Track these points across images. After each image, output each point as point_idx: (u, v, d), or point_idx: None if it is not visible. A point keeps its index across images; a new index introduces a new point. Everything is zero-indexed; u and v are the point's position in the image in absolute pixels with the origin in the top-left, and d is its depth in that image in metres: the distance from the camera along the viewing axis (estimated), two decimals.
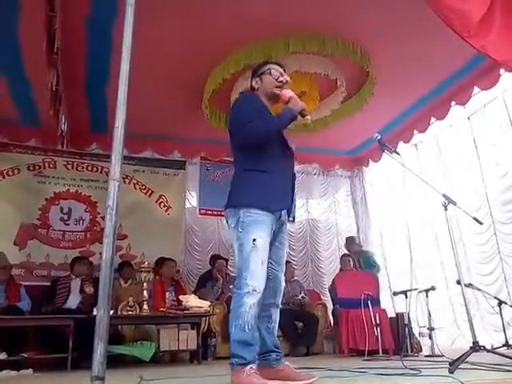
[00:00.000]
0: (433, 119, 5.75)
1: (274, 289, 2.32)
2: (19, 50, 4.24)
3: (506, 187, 5.19)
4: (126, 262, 5.89)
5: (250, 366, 2.03)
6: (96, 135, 6.15)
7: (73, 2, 3.73)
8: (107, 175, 1.82)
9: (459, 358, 2.53)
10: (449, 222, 2.99)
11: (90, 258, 5.72)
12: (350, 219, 7.89)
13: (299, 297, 5.85)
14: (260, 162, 2.31)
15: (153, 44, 4.16)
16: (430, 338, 4.73)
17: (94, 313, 3.47)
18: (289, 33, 4.25)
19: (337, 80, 4.78)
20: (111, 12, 3.72)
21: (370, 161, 7.24)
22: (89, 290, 4.83)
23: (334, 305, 5.82)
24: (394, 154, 3.19)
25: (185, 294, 5.09)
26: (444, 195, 3.01)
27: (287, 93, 2.42)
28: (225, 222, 2.41)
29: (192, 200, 7.18)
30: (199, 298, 4.87)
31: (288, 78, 2.53)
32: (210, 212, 6.79)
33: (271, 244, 2.30)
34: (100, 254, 1.71)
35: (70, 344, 3.93)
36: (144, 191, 6.75)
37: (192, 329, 4.59)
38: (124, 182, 6.43)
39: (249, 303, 2.09)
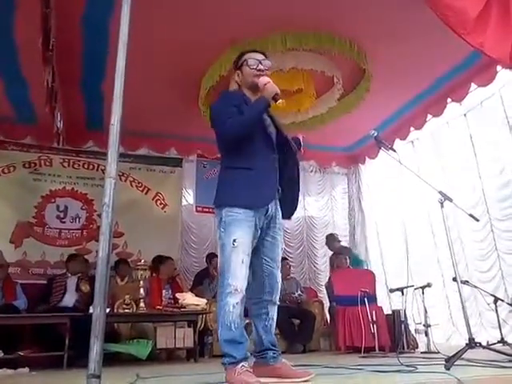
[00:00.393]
0: (429, 116, 5.75)
1: (271, 286, 2.31)
2: (15, 48, 4.22)
3: (502, 184, 5.19)
4: (122, 259, 5.88)
5: (242, 364, 2.04)
6: (92, 133, 6.13)
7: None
8: (103, 173, 1.80)
9: (455, 354, 2.54)
10: (445, 218, 3.00)
11: (87, 256, 5.71)
12: (346, 216, 7.90)
13: (296, 294, 5.85)
14: (240, 159, 2.29)
15: (149, 41, 4.14)
16: (426, 334, 4.74)
17: (91, 311, 3.46)
18: (286, 30, 4.24)
19: (333, 77, 4.78)
20: (107, 9, 3.70)
21: (367, 158, 7.24)
22: (85, 288, 4.82)
23: (330, 302, 5.84)
24: (390, 150, 3.20)
25: (181, 291, 5.09)
26: (440, 192, 3.02)
27: (262, 80, 2.32)
28: None
29: (188, 197, 7.17)
30: (196, 295, 4.88)
31: (269, 63, 2.45)
32: (207, 209, 6.78)
33: (263, 240, 2.31)
34: (96, 251, 1.70)
35: (67, 342, 3.92)
36: (140, 189, 6.74)
37: (189, 327, 4.59)
38: (120, 179, 6.42)
39: (232, 303, 2.10)
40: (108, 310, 3.96)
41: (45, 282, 5.21)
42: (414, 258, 6.28)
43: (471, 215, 3.12)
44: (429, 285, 4.99)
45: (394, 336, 4.87)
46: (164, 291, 5.12)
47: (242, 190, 2.23)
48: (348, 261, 6.30)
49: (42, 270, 5.89)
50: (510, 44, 3.14)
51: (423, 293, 4.95)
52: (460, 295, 2.96)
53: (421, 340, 5.05)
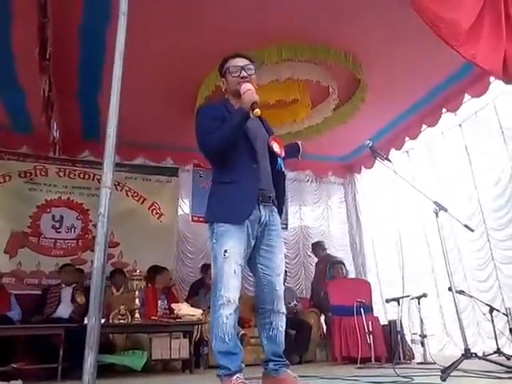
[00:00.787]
0: (424, 126, 5.79)
1: (270, 295, 2.26)
2: (11, 57, 4.23)
3: (497, 194, 5.22)
4: (118, 269, 5.85)
5: (237, 375, 2.02)
6: (88, 142, 6.13)
7: (65, 9, 3.72)
8: (99, 182, 1.80)
9: (451, 365, 2.54)
10: (440, 228, 3.01)
11: (82, 266, 5.70)
12: (342, 226, 7.91)
13: (292, 304, 5.82)
14: (223, 173, 2.31)
15: (146, 52, 4.16)
16: (423, 345, 4.73)
17: (86, 322, 3.43)
18: (281, 41, 4.28)
19: (329, 87, 4.81)
20: (104, 19, 3.72)
21: (363, 167, 7.27)
22: (80, 299, 4.78)
23: (325, 312, 5.81)
24: (385, 160, 3.21)
25: (177, 302, 5.06)
26: (435, 202, 3.03)
27: (243, 88, 2.23)
28: None
29: (184, 207, 7.16)
30: (192, 306, 4.85)
31: (252, 68, 2.38)
32: (203, 219, 6.70)
33: (259, 248, 2.29)
34: (92, 261, 1.69)
35: (61, 354, 3.88)
36: (136, 198, 6.72)
37: (184, 337, 4.55)
38: (116, 189, 6.41)
39: (225, 314, 2.08)
40: (103, 321, 3.93)
41: (39, 292, 5.17)
42: (409, 268, 6.28)
43: (466, 225, 3.13)
44: (425, 295, 4.99)
45: (391, 346, 4.85)
46: (159, 301, 5.09)
47: (222, 205, 2.25)
48: (344, 271, 6.30)
49: (36, 281, 5.85)
50: (502, 55, 3.18)
51: (419, 303, 4.95)
52: (455, 305, 2.96)
53: (417, 350, 5.04)
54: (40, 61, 3.89)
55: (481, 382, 2.32)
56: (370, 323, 4.82)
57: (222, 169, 2.32)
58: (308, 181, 7.72)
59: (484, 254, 5.37)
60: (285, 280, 2.45)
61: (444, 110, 5.41)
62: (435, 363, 3.71)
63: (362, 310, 4.89)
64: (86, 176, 6.50)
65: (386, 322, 5.22)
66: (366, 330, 4.76)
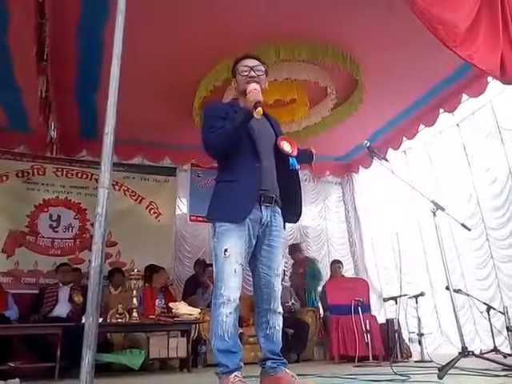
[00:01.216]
0: (422, 126, 5.81)
1: (268, 294, 2.28)
2: (9, 56, 4.22)
3: (496, 193, 5.23)
4: (116, 269, 5.85)
5: (235, 373, 2.03)
6: (86, 142, 6.12)
7: (63, 9, 3.72)
8: (97, 182, 1.81)
9: (448, 363, 2.55)
10: (437, 227, 3.02)
11: (79, 266, 5.70)
12: (340, 225, 7.92)
13: (289, 303, 5.84)
14: (225, 171, 2.32)
15: (144, 51, 4.16)
16: (420, 343, 4.75)
17: (83, 321, 3.44)
18: (279, 41, 4.28)
19: (327, 87, 4.82)
20: (102, 19, 3.72)
21: (361, 167, 7.28)
22: (78, 299, 4.78)
23: (324, 311, 5.83)
24: (383, 160, 3.23)
25: (175, 301, 5.07)
26: (433, 201, 3.04)
27: (250, 87, 2.24)
28: None
29: (182, 207, 7.16)
30: (189, 305, 4.86)
31: (262, 68, 2.41)
32: (201, 219, 6.76)
33: (260, 248, 2.30)
34: (89, 261, 1.69)
35: (58, 353, 3.88)
36: (134, 198, 6.72)
37: (182, 336, 4.56)
38: (114, 188, 6.41)
39: (225, 313, 2.09)
40: (101, 320, 3.93)
41: (37, 291, 5.17)
42: (408, 267, 6.30)
43: (463, 224, 3.14)
44: (422, 294, 5.01)
45: (388, 345, 4.87)
46: (157, 301, 5.09)
47: (223, 204, 2.25)
48: (342, 269, 6.32)
49: (34, 280, 5.84)
50: (499, 56, 3.19)
51: (417, 302, 4.96)
52: (453, 304, 2.97)
53: (414, 349, 5.05)
54: (37, 61, 3.89)
55: (478, 379, 2.34)
56: (367, 322, 4.84)
57: (224, 167, 2.34)
58: (306, 180, 7.72)
59: (483, 253, 5.38)
60: (282, 279, 2.45)
61: (441, 110, 5.42)
62: (432, 361, 3.73)
63: (359, 308, 4.91)
64: (84, 176, 6.50)
65: (384, 321, 5.23)
66: (364, 329, 4.78)
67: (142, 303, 4.99)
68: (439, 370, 2.48)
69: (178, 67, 4.60)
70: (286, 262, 7.23)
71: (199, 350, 4.94)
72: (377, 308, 6.10)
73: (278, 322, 2.30)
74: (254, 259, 2.31)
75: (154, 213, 6.76)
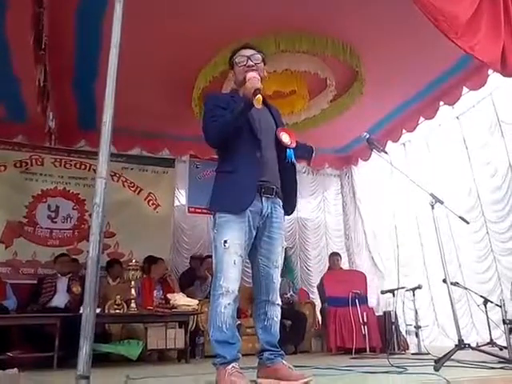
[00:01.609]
0: (421, 119, 5.79)
1: (267, 286, 2.28)
2: (6, 46, 4.20)
3: (496, 187, 5.23)
4: (114, 259, 5.86)
5: (232, 364, 2.03)
6: (84, 132, 6.10)
7: None
8: (95, 173, 1.80)
9: (444, 355, 2.56)
10: (435, 220, 3.02)
11: (78, 256, 5.71)
12: (338, 218, 7.93)
13: (288, 295, 5.86)
14: (225, 162, 2.30)
15: (142, 41, 4.14)
16: (417, 336, 4.77)
17: (81, 311, 3.44)
18: (278, 31, 4.25)
19: (326, 79, 4.79)
20: (100, 8, 3.69)
21: (360, 159, 7.26)
22: (76, 289, 4.78)
23: (322, 303, 5.86)
24: (382, 153, 3.21)
25: (173, 292, 5.08)
26: (431, 194, 3.04)
27: (248, 75, 2.23)
28: None
29: (181, 198, 7.15)
30: (187, 296, 4.87)
31: (259, 57, 2.39)
32: (199, 210, 6.77)
33: (260, 240, 2.29)
34: (88, 251, 1.69)
35: (56, 343, 3.89)
36: (133, 189, 6.72)
37: (180, 327, 4.57)
38: (112, 179, 6.40)
39: (223, 303, 2.09)
40: (99, 311, 3.94)
41: (35, 282, 5.17)
42: (406, 259, 6.32)
43: (461, 217, 3.14)
44: (419, 286, 5.03)
45: (385, 337, 4.89)
46: (155, 292, 5.11)
47: (223, 195, 2.24)
48: (340, 262, 6.33)
49: (32, 270, 5.85)
50: (500, 48, 3.17)
51: (414, 294, 4.98)
52: (450, 297, 2.98)
53: (411, 341, 5.08)
54: (35, 50, 3.86)
55: (474, 372, 2.35)
56: (364, 314, 4.86)
57: (224, 158, 2.32)
58: (304, 172, 7.72)
59: (483, 246, 5.39)
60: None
61: (441, 102, 5.40)
62: (429, 354, 3.75)
63: (357, 300, 4.93)
64: (82, 166, 6.48)
65: (381, 313, 5.26)
66: (361, 321, 4.80)
67: (140, 294, 5.01)
68: (435, 362, 2.49)
69: (177, 58, 4.57)
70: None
71: (197, 341, 4.95)
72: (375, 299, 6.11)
73: (276, 313, 2.30)
74: (254, 251, 2.30)
75: (153, 204, 6.76)
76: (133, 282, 4.59)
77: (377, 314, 5.22)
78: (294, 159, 2.38)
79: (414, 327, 4.85)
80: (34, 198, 6.15)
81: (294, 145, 2.37)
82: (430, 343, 5.60)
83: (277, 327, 2.29)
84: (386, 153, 3.28)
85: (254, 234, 2.26)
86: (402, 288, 4.96)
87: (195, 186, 6.90)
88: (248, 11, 3.98)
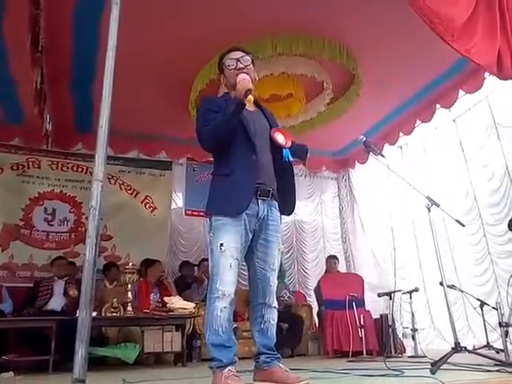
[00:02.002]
0: (418, 122, 5.81)
1: (263, 289, 2.27)
2: (3, 48, 4.19)
3: (493, 190, 5.24)
4: (110, 263, 5.85)
5: (228, 368, 2.03)
6: (81, 135, 6.08)
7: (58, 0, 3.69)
8: (92, 175, 1.80)
9: (441, 358, 2.56)
10: (432, 223, 3.02)
11: (75, 259, 5.68)
12: (336, 221, 7.94)
13: (285, 297, 5.85)
14: (221, 165, 2.30)
15: (139, 43, 4.14)
16: (414, 338, 4.77)
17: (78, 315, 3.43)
18: (275, 33, 4.26)
19: (323, 82, 4.80)
20: (97, 9, 3.69)
21: (357, 162, 7.27)
22: (73, 293, 4.76)
23: (319, 306, 5.85)
24: (379, 156, 3.22)
25: (169, 295, 5.07)
26: (428, 197, 3.04)
27: (239, 77, 2.22)
28: None
29: (178, 201, 7.14)
30: (184, 299, 4.86)
31: (248, 59, 2.37)
32: (196, 213, 6.76)
33: (256, 242, 2.28)
34: (84, 254, 1.69)
35: (53, 346, 3.88)
36: (129, 192, 6.70)
37: (177, 330, 4.56)
38: (109, 182, 6.40)
39: (220, 307, 2.09)
40: (95, 314, 3.93)
41: (31, 285, 5.15)
42: (402, 263, 6.32)
43: (457, 220, 3.15)
44: (416, 289, 5.03)
45: (382, 340, 4.89)
46: (152, 295, 5.09)
47: (219, 198, 2.24)
48: (337, 265, 6.34)
49: (28, 273, 5.82)
50: (496, 51, 3.19)
51: (411, 297, 4.99)
52: (446, 299, 2.98)
53: (408, 344, 5.08)
54: (32, 52, 3.86)
55: (470, 375, 2.35)
56: (361, 317, 4.86)
57: (220, 161, 2.32)
58: (302, 175, 7.72)
59: (480, 249, 5.40)
60: (284, 278, 2.45)
61: (438, 105, 5.42)
62: (426, 357, 3.75)
63: (353, 303, 4.93)
64: (79, 169, 6.47)
65: (378, 316, 5.25)
66: (358, 324, 4.80)
67: (137, 297, 4.99)
68: (432, 365, 2.49)
69: (174, 60, 4.58)
70: None
71: (194, 345, 4.94)
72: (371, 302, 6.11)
73: (273, 316, 2.29)
74: (250, 253, 2.30)
75: (150, 207, 6.75)
76: (129, 285, 4.58)
77: (374, 316, 5.22)
78: (291, 159, 2.38)
79: (411, 330, 4.85)
80: (31, 200, 6.13)
81: (289, 144, 2.36)
82: (426, 346, 5.59)
83: (273, 330, 2.29)
84: (383, 156, 3.29)
85: (251, 236, 2.26)
86: (399, 291, 4.97)
87: (192, 189, 6.89)
88: (245, 13, 3.98)
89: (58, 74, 4.66)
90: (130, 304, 4.45)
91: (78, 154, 6.43)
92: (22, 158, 6.16)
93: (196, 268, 6.28)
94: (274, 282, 2.31)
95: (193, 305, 4.74)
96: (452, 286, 4.61)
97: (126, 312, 4.38)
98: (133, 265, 4.83)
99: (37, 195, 6.18)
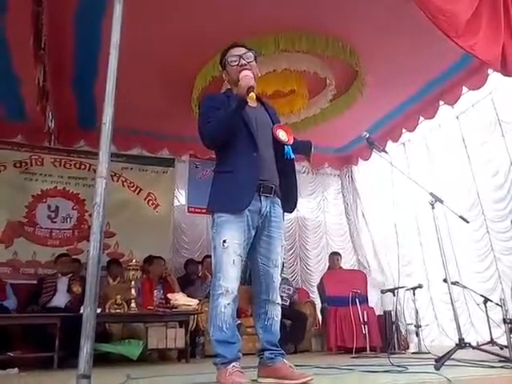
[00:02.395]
0: (421, 118, 5.79)
1: (266, 285, 2.27)
2: (6, 45, 4.19)
3: (497, 186, 5.22)
4: (114, 259, 5.86)
5: (233, 364, 2.03)
6: (84, 132, 6.09)
7: None
8: (95, 173, 1.80)
9: (445, 354, 2.56)
10: (435, 220, 3.02)
11: (78, 256, 5.70)
12: (338, 217, 7.92)
13: (290, 291, 5.86)
14: (222, 162, 2.31)
15: (142, 40, 4.13)
16: (417, 335, 4.77)
17: (82, 311, 3.44)
18: (279, 31, 4.25)
19: (326, 79, 4.79)
20: (100, 7, 3.69)
21: (360, 159, 7.25)
22: (77, 289, 4.77)
23: (322, 303, 5.86)
24: (382, 152, 3.22)
25: (173, 291, 5.08)
26: (431, 193, 3.04)
27: (241, 74, 2.22)
28: None
29: (181, 198, 7.15)
30: (188, 296, 4.87)
31: (251, 55, 2.37)
32: (199, 210, 6.77)
33: (259, 239, 2.28)
34: (88, 251, 1.69)
35: (57, 343, 3.89)
36: (132, 189, 6.71)
37: (180, 327, 4.57)
38: (112, 179, 6.40)
39: (223, 303, 2.09)
40: (99, 310, 3.94)
41: (35, 282, 5.17)
42: (406, 259, 6.32)
43: (461, 217, 3.14)
44: (420, 286, 5.03)
45: (385, 336, 4.89)
46: (155, 291, 5.11)
47: (221, 195, 2.24)
48: (340, 261, 6.33)
49: (32, 270, 5.85)
50: (500, 48, 3.18)
51: (414, 294, 4.98)
52: (450, 296, 2.98)
53: (412, 340, 5.08)
54: (35, 49, 3.86)
55: (474, 371, 2.35)
56: (365, 313, 4.86)
57: (222, 158, 2.32)
58: (304, 172, 7.71)
59: (483, 245, 5.38)
60: (282, 271, 2.45)
61: (441, 102, 5.40)
62: (429, 353, 3.75)
63: (357, 300, 4.93)
64: (82, 166, 6.48)
65: (382, 313, 5.26)
66: (361, 320, 4.80)
67: (141, 294, 5.01)
68: (436, 361, 2.49)
69: (177, 57, 4.57)
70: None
71: (197, 341, 4.95)
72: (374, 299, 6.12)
73: (277, 312, 2.29)
74: (253, 250, 2.30)
75: (153, 204, 6.76)
76: (133, 282, 4.59)
77: (377, 313, 5.22)
78: (292, 156, 2.38)
79: (415, 326, 4.85)
80: (34, 197, 6.15)
81: (291, 141, 2.36)
82: (430, 342, 5.59)
83: (277, 326, 2.29)
84: (386, 152, 3.28)
85: (253, 233, 2.26)
86: (403, 287, 4.96)
87: (195, 186, 6.90)
88: (248, 11, 3.97)
89: (60, 72, 4.66)
90: (133, 301, 4.46)
91: (80, 152, 6.44)
92: (25, 156, 6.18)
93: (200, 266, 6.29)
94: (277, 278, 2.31)
95: (196, 301, 4.75)
96: (455, 283, 4.60)
97: (129, 308, 4.39)
98: (136, 262, 4.84)
99: (40, 192, 6.20)
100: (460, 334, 2.78)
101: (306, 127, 5.58)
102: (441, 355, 2.58)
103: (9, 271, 5.71)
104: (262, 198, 2.26)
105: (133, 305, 4.43)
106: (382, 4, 3.89)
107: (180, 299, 4.63)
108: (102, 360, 4.17)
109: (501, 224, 5.16)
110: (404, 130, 6.14)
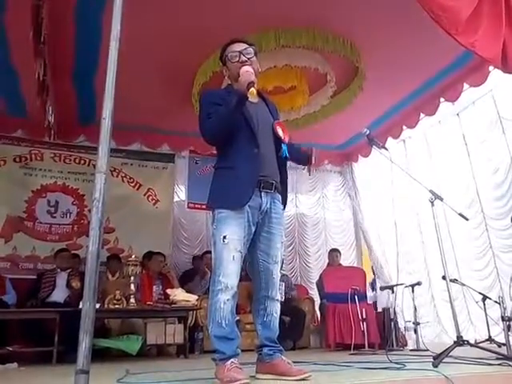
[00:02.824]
0: (422, 115, 5.77)
1: (266, 281, 2.28)
2: (5, 40, 4.17)
3: (497, 183, 5.22)
4: (113, 255, 5.86)
5: (231, 360, 2.04)
6: (84, 127, 6.07)
7: None
8: (95, 168, 1.79)
9: (443, 352, 2.56)
10: (435, 217, 3.02)
11: (77, 251, 5.71)
12: (338, 214, 7.92)
13: (287, 290, 5.86)
14: (223, 158, 2.31)
15: (142, 35, 4.11)
16: (416, 332, 4.78)
17: (81, 306, 3.44)
18: (279, 26, 4.23)
19: (326, 74, 4.77)
20: (99, 1, 3.67)
21: (360, 156, 7.24)
22: (76, 284, 4.78)
23: (321, 299, 5.87)
24: (382, 149, 3.21)
25: (172, 287, 5.09)
26: (431, 191, 3.03)
27: (242, 70, 2.20)
28: None
29: (180, 194, 7.15)
30: (187, 291, 4.87)
31: (251, 51, 2.35)
32: (199, 206, 6.76)
33: (259, 235, 2.28)
34: (87, 246, 1.69)
35: (56, 337, 3.90)
36: (132, 184, 6.71)
37: (179, 323, 4.59)
38: (112, 174, 6.39)
39: (222, 299, 2.09)
40: (98, 306, 3.95)
41: (35, 276, 5.18)
42: (405, 256, 6.32)
43: (461, 214, 3.13)
44: (419, 283, 5.03)
45: (384, 333, 4.90)
46: (155, 287, 5.12)
47: (222, 191, 2.24)
48: (339, 258, 6.34)
49: (32, 265, 5.85)
50: (500, 45, 3.16)
51: (413, 291, 4.99)
52: (449, 293, 2.98)
53: (410, 337, 5.09)
54: (34, 44, 3.84)
55: (472, 368, 2.35)
56: (363, 310, 4.87)
57: (223, 154, 2.32)
58: (304, 169, 7.66)
59: (482, 243, 5.39)
60: (281, 267, 2.45)
61: (442, 99, 5.39)
62: (428, 350, 3.76)
63: (356, 297, 4.93)
64: (82, 161, 6.47)
65: (380, 310, 5.27)
66: (360, 317, 4.81)
67: (140, 289, 5.01)
68: (434, 358, 2.49)
69: (177, 52, 4.55)
70: None
71: (196, 337, 4.97)
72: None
73: (276, 309, 2.30)
74: (253, 246, 2.30)
75: (152, 200, 6.76)
76: (132, 278, 4.60)
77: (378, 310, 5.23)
78: (287, 156, 2.38)
79: (413, 323, 4.86)
80: (34, 192, 6.14)
81: (286, 139, 2.37)
82: (432, 340, 5.61)
83: (276, 323, 2.30)
84: (386, 149, 3.28)
85: (254, 229, 2.26)
86: (401, 284, 4.97)
87: (195, 182, 6.89)
88: (248, 6, 3.95)
89: (60, 66, 4.64)
90: (132, 296, 4.47)
91: (80, 147, 6.43)
92: (25, 150, 6.17)
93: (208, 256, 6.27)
94: (276, 274, 2.32)
95: (195, 297, 4.76)
96: (454, 280, 4.61)
97: (128, 304, 4.40)
98: (135, 257, 4.85)
99: (39, 187, 6.20)
100: (458, 331, 2.78)
101: (307, 124, 5.58)
102: (439, 352, 2.58)
103: (8, 266, 5.71)
104: (263, 193, 2.27)
105: (132, 300, 4.44)
106: (384, 3, 3.88)
107: (179, 295, 4.63)
108: (100, 355, 4.19)
109: (500, 222, 5.15)
110: (404, 127, 6.12)
